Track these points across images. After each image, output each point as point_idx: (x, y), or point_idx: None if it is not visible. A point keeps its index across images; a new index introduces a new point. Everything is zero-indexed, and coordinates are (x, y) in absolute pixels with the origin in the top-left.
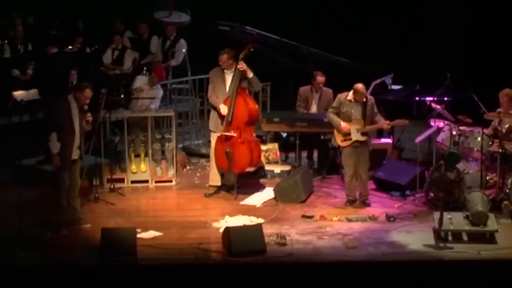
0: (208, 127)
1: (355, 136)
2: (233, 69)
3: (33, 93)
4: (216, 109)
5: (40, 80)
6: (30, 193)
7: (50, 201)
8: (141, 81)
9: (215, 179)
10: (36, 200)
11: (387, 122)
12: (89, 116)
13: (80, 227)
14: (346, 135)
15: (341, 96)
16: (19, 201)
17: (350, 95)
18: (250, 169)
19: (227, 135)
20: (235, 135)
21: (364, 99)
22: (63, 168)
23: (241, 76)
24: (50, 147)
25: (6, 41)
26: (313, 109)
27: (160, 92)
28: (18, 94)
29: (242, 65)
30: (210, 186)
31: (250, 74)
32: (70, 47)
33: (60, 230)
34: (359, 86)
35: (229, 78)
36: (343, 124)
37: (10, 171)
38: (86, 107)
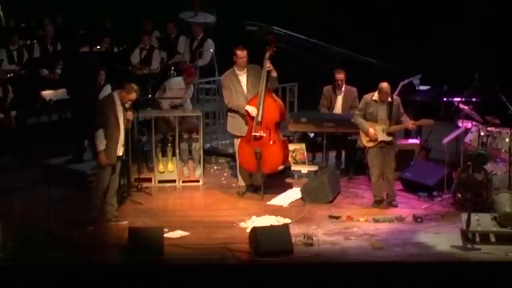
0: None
1: (381, 136)
2: (245, 69)
3: (61, 93)
4: (238, 112)
5: (68, 80)
6: (58, 192)
7: (78, 200)
8: (177, 84)
9: (243, 179)
10: (64, 199)
11: (412, 121)
12: (130, 115)
13: (116, 224)
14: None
15: (367, 96)
16: (48, 200)
17: (376, 95)
18: (279, 168)
19: (256, 135)
20: (265, 135)
21: (390, 99)
22: (107, 165)
23: (267, 76)
24: (96, 144)
25: (35, 41)
26: (337, 107)
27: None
28: (47, 93)
29: (269, 65)
30: (240, 186)
31: (275, 73)
32: (98, 47)
33: (87, 227)
34: (384, 85)
35: (243, 79)
36: (372, 131)
37: (39, 170)
38: (127, 105)
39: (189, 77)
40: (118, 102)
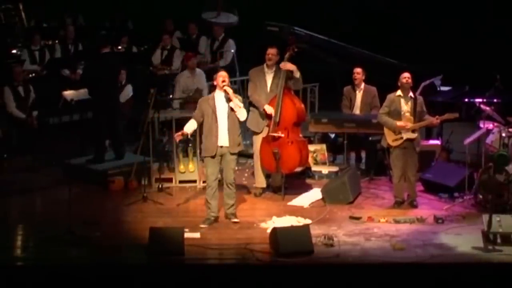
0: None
1: (406, 134)
2: (274, 68)
3: (83, 93)
4: (256, 107)
5: (89, 80)
6: (79, 192)
7: (99, 200)
8: (182, 75)
9: (261, 181)
10: (85, 199)
11: (437, 117)
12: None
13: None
14: (398, 133)
15: (390, 95)
16: (69, 200)
17: (399, 91)
18: (298, 169)
19: (274, 136)
20: (283, 135)
21: (413, 95)
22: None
23: (286, 76)
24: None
25: (57, 41)
26: (357, 105)
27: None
28: (68, 93)
29: (284, 64)
30: (257, 187)
31: (298, 74)
32: (119, 47)
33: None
34: (404, 74)
35: (269, 78)
36: (399, 123)
37: (60, 170)
38: (224, 86)
39: (188, 61)
40: (219, 98)
